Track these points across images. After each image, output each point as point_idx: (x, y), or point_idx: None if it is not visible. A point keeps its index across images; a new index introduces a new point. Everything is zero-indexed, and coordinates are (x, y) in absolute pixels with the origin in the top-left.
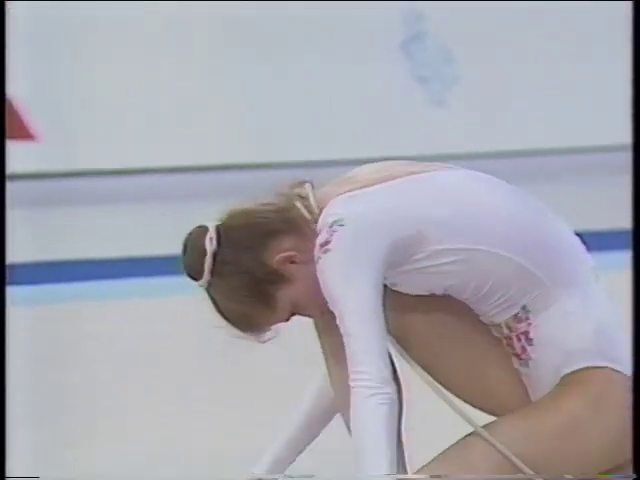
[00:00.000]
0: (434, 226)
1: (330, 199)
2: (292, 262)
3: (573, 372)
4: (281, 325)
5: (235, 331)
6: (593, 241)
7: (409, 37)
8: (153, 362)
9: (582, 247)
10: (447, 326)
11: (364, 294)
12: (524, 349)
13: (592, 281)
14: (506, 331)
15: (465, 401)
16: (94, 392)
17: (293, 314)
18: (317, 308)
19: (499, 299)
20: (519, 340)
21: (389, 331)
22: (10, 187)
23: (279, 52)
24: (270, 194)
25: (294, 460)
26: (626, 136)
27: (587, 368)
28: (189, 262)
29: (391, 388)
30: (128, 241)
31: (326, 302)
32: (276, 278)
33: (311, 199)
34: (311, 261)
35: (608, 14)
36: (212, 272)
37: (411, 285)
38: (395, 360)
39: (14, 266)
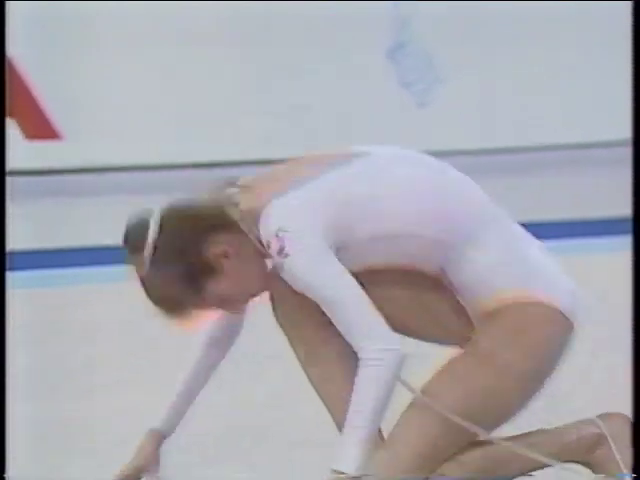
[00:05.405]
0: (353, 213)
1: (259, 199)
2: (225, 256)
3: (495, 308)
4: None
5: (160, 311)
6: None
7: (395, 45)
8: (151, 344)
9: (483, 196)
10: (392, 272)
11: (337, 276)
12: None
13: (502, 220)
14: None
15: (418, 337)
16: (91, 373)
17: (215, 308)
18: (238, 303)
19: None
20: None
21: None
22: (12, 181)
23: (268, 52)
24: (207, 193)
25: (186, 411)
26: (609, 133)
27: (511, 303)
28: (132, 233)
29: (397, 343)
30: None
31: (247, 300)
32: (208, 270)
33: (241, 204)
34: (239, 257)
35: (590, 12)
36: (155, 247)
37: (352, 263)
38: None
39: (14, 253)
